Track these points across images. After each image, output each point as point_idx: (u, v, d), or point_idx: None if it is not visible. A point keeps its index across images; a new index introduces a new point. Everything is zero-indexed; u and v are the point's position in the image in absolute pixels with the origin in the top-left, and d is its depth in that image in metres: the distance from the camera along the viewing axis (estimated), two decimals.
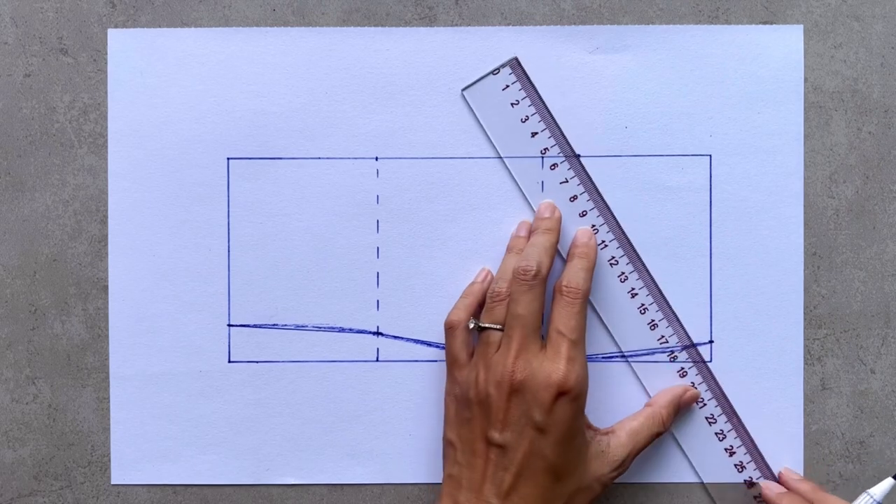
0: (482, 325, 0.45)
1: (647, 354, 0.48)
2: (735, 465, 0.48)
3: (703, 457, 0.48)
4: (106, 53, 0.49)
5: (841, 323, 0.48)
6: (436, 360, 0.49)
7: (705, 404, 0.48)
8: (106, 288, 0.49)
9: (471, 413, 0.44)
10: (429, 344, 0.49)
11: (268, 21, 0.48)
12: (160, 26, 0.48)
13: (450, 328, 0.46)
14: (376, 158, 0.49)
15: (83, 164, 0.49)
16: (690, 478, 0.49)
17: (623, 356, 0.48)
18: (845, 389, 0.48)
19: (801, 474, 0.48)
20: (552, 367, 0.43)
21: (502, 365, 0.43)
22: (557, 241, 0.47)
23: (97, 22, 0.49)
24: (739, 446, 0.48)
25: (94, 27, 0.49)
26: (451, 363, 0.46)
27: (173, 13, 0.48)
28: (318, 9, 0.48)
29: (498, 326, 0.44)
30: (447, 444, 0.45)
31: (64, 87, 0.49)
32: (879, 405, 0.49)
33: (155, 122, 0.49)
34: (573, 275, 0.45)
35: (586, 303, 0.45)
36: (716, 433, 0.48)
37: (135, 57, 0.48)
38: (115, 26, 0.49)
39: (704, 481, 0.48)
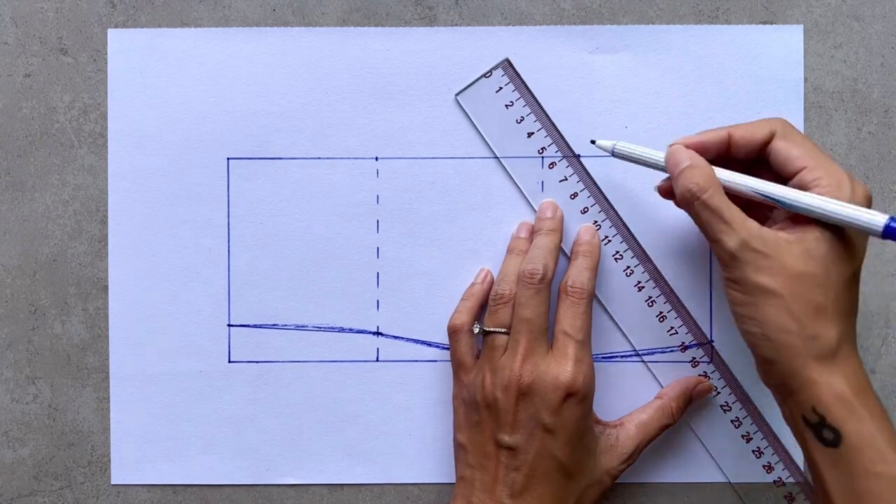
0: (487, 329, 0.45)
1: (659, 349, 0.48)
2: (753, 451, 0.48)
3: (718, 441, 0.48)
4: (106, 53, 0.49)
5: None
6: (436, 360, 0.48)
7: (719, 392, 0.48)
8: (106, 288, 0.49)
9: (479, 416, 0.44)
10: (429, 344, 0.48)
11: (268, 21, 0.48)
12: (160, 26, 0.48)
13: (453, 332, 0.46)
14: (376, 158, 0.48)
15: (83, 164, 0.49)
16: (708, 471, 0.49)
17: (634, 349, 0.48)
18: None
19: (802, 475, 0.48)
20: (560, 369, 0.43)
21: (509, 369, 0.43)
22: (561, 241, 0.47)
23: (97, 22, 0.48)
24: (756, 432, 0.48)
25: (94, 27, 0.49)
26: (457, 367, 0.46)
27: (173, 13, 0.48)
28: (318, 9, 0.48)
29: (503, 330, 0.44)
30: (458, 446, 0.45)
31: (64, 87, 0.49)
32: None
33: (155, 122, 0.49)
34: (578, 274, 0.45)
35: (591, 302, 0.45)
36: (731, 420, 0.48)
37: (135, 57, 0.48)
38: (115, 26, 0.49)
39: (719, 463, 0.48)
